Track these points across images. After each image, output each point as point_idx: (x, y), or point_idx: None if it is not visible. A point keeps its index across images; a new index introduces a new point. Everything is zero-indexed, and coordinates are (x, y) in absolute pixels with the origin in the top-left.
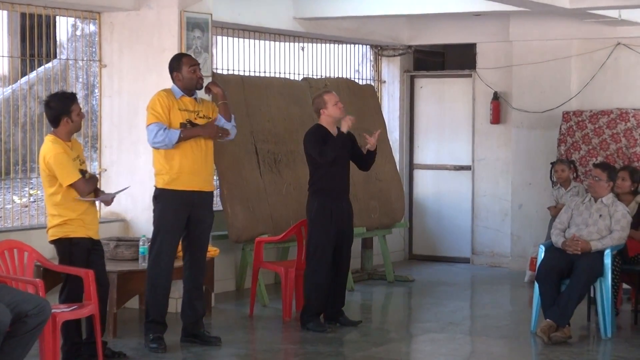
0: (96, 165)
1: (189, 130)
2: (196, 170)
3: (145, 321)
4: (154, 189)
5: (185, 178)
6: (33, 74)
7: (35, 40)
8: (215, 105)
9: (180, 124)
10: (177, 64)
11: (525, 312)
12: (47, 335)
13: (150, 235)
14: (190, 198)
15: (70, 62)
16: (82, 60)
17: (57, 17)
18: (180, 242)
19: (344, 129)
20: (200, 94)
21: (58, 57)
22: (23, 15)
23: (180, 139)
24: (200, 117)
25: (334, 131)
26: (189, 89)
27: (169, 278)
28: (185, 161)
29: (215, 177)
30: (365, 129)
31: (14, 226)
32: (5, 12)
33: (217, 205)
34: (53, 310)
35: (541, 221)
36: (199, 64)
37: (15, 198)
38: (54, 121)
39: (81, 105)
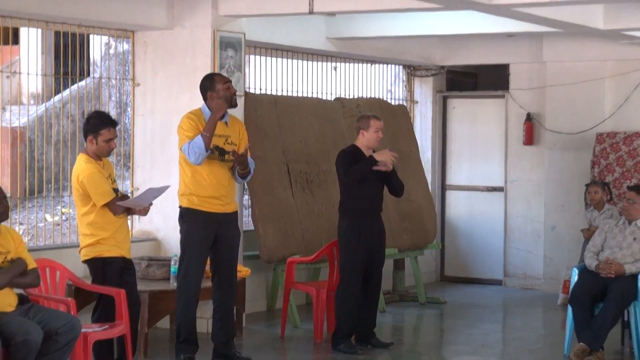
0: (128, 184)
1: (205, 132)
2: (221, 195)
3: (177, 342)
4: (179, 209)
5: (210, 201)
6: (66, 92)
7: (69, 59)
8: (244, 128)
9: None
10: (210, 83)
11: (558, 335)
12: (78, 355)
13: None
14: (215, 218)
15: (104, 80)
16: (115, 78)
17: (91, 36)
18: (209, 262)
19: (378, 158)
20: (231, 111)
21: (91, 76)
22: (57, 33)
23: (205, 139)
24: (228, 144)
25: (368, 154)
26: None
27: (197, 298)
28: (210, 186)
29: (246, 197)
30: (398, 149)
31: (46, 245)
32: (39, 30)
33: (248, 224)
34: (84, 330)
35: (574, 243)
36: (230, 80)
37: (48, 216)
38: (84, 136)
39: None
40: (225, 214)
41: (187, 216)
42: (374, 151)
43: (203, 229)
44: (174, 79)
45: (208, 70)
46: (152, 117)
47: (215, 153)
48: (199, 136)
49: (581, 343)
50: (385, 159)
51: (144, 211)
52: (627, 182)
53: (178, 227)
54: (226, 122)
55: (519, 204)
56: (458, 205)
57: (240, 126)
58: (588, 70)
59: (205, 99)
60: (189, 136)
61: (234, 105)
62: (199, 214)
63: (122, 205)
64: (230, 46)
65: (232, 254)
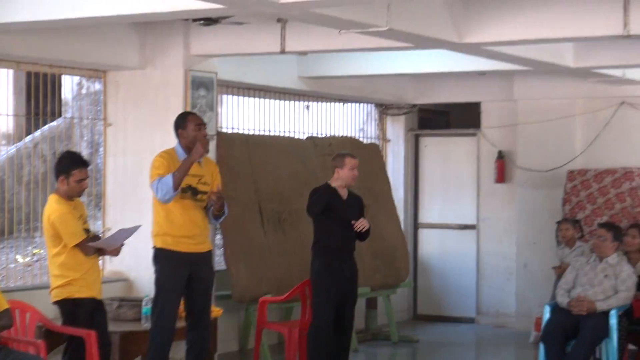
0: (100, 224)
1: (178, 171)
2: (195, 234)
3: None
4: (152, 249)
5: (184, 241)
6: (38, 133)
7: (40, 99)
8: (217, 169)
9: (182, 189)
10: (182, 121)
11: None
12: None
13: (152, 294)
14: (189, 258)
15: (75, 120)
16: (87, 118)
17: (63, 76)
18: (183, 303)
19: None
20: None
21: (63, 116)
22: (28, 73)
23: (176, 179)
24: (201, 183)
25: (343, 193)
26: (192, 149)
27: (172, 339)
28: (183, 225)
29: (218, 236)
30: (370, 188)
31: (17, 286)
32: (10, 70)
33: (220, 264)
34: None
35: (546, 281)
36: (205, 123)
37: (19, 257)
38: (55, 176)
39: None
40: (199, 253)
41: (161, 256)
42: (350, 191)
43: (177, 269)
44: (146, 118)
45: (180, 110)
46: (124, 156)
47: (189, 192)
48: (170, 175)
49: None
50: (361, 226)
51: (116, 252)
52: (598, 219)
53: (150, 267)
54: (199, 162)
55: (491, 241)
56: (430, 243)
57: (213, 167)
58: (559, 108)
59: (176, 135)
60: (159, 174)
61: (206, 151)
62: (173, 254)
63: (94, 246)
64: (202, 86)
65: (207, 294)
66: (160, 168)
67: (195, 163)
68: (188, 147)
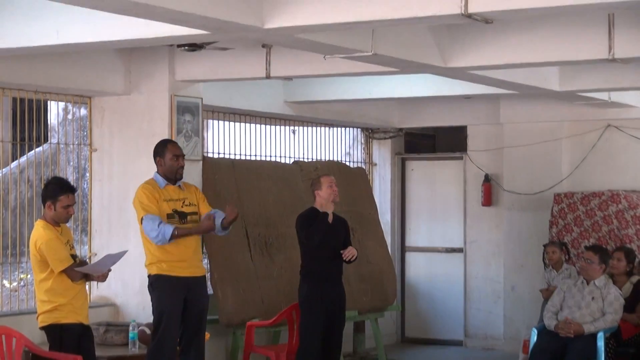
0: (86, 250)
1: (183, 230)
2: (189, 258)
3: None
4: (148, 277)
5: (179, 265)
6: (24, 158)
7: (26, 124)
8: (198, 189)
9: (167, 214)
10: (161, 149)
11: None
12: None
13: (139, 319)
14: (185, 282)
15: (61, 146)
16: (73, 144)
17: (49, 101)
18: None
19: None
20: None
21: (49, 141)
22: (14, 99)
23: (174, 237)
24: (186, 205)
25: (329, 217)
26: (170, 178)
27: None
28: (177, 250)
29: (205, 261)
30: (357, 211)
31: (3, 311)
32: None
33: (207, 289)
34: None
35: (534, 303)
36: (183, 155)
37: (6, 282)
38: (42, 202)
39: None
40: (194, 278)
41: (158, 283)
42: (335, 214)
43: (175, 293)
44: (132, 143)
45: (166, 135)
46: (109, 182)
47: (175, 217)
48: (171, 227)
49: None
50: (350, 255)
51: (103, 277)
52: (585, 242)
53: (137, 293)
54: (180, 186)
55: (479, 264)
56: (418, 267)
57: (194, 188)
58: (545, 131)
59: (155, 163)
60: (146, 210)
61: (178, 178)
62: (169, 279)
63: (80, 272)
64: (188, 111)
65: (201, 319)
66: (150, 206)
67: (175, 187)
68: (166, 176)
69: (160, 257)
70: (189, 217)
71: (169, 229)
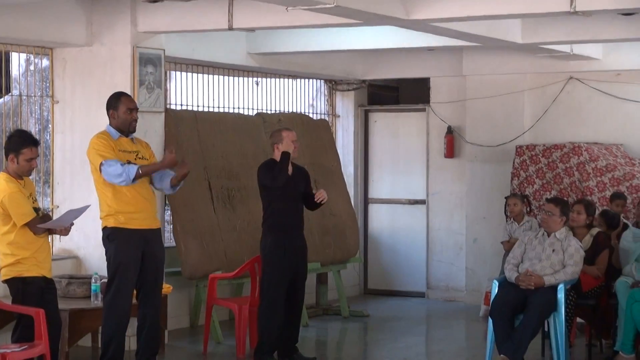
0: (49, 202)
1: (147, 167)
2: (145, 209)
3: None
4: (103, 230)
5: (136, 217)
6: None
7: None
8: (148, 144)
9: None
10: (115, 102)
11: (480, 347)
12: None
13: (101, 272)
14: (142, 235)
15: (24, 97)
16: (35, 95)
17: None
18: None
19: (317, 199)
20: (152, 126)
21: (11, 93)
22: None
23: (138, 175)
24: (139, 158)
25: (288, 168)
26: (123, 131)
27: (128, 317)
28: (133, 200)
29: (168, 213)
30: (320, 164)
31: None
32: None
33: (170, 241)
34: (2, 350)
35: (496, 255)
36: (137, 108)
37: None
38: (5, 155)
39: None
40: (151, 230)
41: (115, 235)
42: (294, 165)
43: (132, 246)
44: (94, 95)
45: (128, 87)
46: (71, 134)
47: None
48: (135, 166)
49: (502, 355)
50: (322, 197)
51: (65, 231)
52: (547, 194)
53: (99, 246)
54: (132, 139)
55: (441, 216)
56: (380, 219)
57: (146, 143)
58: (507, 83)
59: (108, 115)
60: (104, 156)
61: (131, 131)
62: (126, 232)
63: (43, 227)
64: (150, 62)
65: (158, 272)
66: (104, 150)
67: (128, 140)
68: (119, 129)
69: (117, 209)
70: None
71: (133, 168)
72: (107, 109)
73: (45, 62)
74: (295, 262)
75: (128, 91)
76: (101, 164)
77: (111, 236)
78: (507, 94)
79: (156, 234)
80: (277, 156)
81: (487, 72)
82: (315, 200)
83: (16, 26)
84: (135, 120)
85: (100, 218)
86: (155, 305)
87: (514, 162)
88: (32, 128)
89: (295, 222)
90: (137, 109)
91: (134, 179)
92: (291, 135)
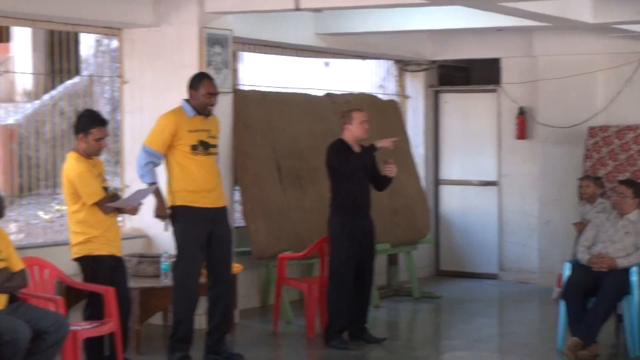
0: (119, 182)
1: (157, 195)
2: (212, 187)
3: (172, 339)
4: (170, 208)
5: (203, 195)
6: (60, 89)
7: (60, 56)
8: (218, 122)
9: (192, 146)
10: (197, 83)
11: (552, 329)
12: (67, 352)
13: (171, 251)
14: (209, 214)
15: (94, 78)
16: (104, 76)
17: (81, 33)
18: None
19: (379, 144)
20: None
21: (81, 74)
22: (49, 31)
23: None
24: (211, 137)
25: (355, 148)
26: (199, 112)
27: (196, 296)
28: (201, 179)
29: (237, 193)
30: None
31: (37, 242)
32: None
33: (240, 221)
34: (73, 328)
35: (569, 237)
36: (217, 93)
37: (41, 213)
38: (74, 134)
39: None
40: (217, 209)
41: (182, 214)
42: (362, 146)
43: (198, 226)
44: (162, 76)
45: (195, 67)
46: (140, 114)
47: (200, 148)
48: (152, 178)
49: (574, 337)
50: (388, 145)
51: (134, 211)
52: (619, 176)
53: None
54: (206, 117)
55: (513, 198)
56: (452, 200)
57: (217, 121)
58: (579, 63)
59: (188, 93)
60: (152, 141)
61: (206, 114)
62: (193, 210)
63: (112, 206)
64: (218, 43)
65: (227, 251)
66: (157, 137)
67: (202, 118)
68: (196, 109)
69: (185, 187)
70: (211, 149)
71: (149, 179)
72: (188, 88)
73: (115, 43)
74: (364, 243)
75: (195, 72)
76: (143, 145)
77: (178, 215)
78: (579, 74)
79: (223, 212)
80: (346, 136)
81: (559, 52)
82: (384, 173)
83: (85, 7)
84: (213, 105)
85: (167, 196)
86: (225, 285)
87: (586, 144)
88: (104, 108)
89: (363, 202)
90: (217, 93)
91: (142, 182)
92: (361, 116)
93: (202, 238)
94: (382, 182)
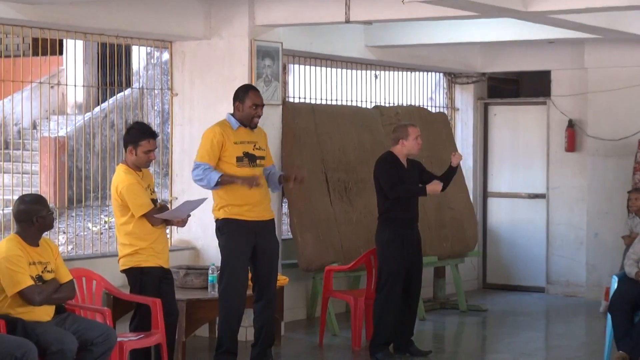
0: (168, 194)
1: (228, 177)
2: (257, 201)
3: (217, 352)
4: (215, 222)
5: (247, 208)
6: (108, 102)
7: (113, 69)
8: (266, 136)
9: (237, 157)
10: (242, 94)
11: (599, 343)
12: None
13: (218, 263)
14: (254, 228)
15: (144, 90)
16: (155, 89)
17: (133, 46)
18: (250, 273)
19: (454, 163)
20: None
21: (132, 86)
22: (100, 44)
23: (218, 183)
24: (257, 149)
25: (404, 162)
26: (244, 124)
27: (242, 309)
28: (246, 192)
29: (285, 206)
30: (438, 157)
31: (86, 254)
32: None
33: (287, 233)
34: (120, 339)
35: (617, 250)
36: (263, 105)
37: (90, 225)
38: (124, 146)
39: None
40: (262, 222)
41: (226, 227)
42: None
43: (242, 239)
44: (212, 88)
45: (245, 80)
46: (190, 126)
47: (246, 160)
48: (218, 173)
49: (620, 351)
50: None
51: (182, 223)
52: None
53: (215, 237)
54: (252, 129)
55: (561, 210)
56: (500, 213)
57: (264, 133)
58: (630, 76)
59: (234, 105)
60: (202, 157)
61: (252, 126)
62: (237, 224)
63: (160, 218)
64: (268, 55)
65: (272, 265)
66: (206, 156)
67: (248, 130)
68: (241, 121)
69: (228, 201)
70: (257, 161)
71: (215, 175)
72: (234, 100)
73: (165, 56)
74: (412, 255)
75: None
76: (196, 162)
77: (222, 228)
78: (630, 87)
79: (268, 225)
80: (397, 150)
81: (610, 64)
82: (452, 164)
83: (137, 20)
84: (259, 117)
85: (213, 210)
86: (270, 298)
87: (635, 156)
88: (153, 120)
89: (411, 215)
90: (263, 105)
91: (215, 186)
92: (416, 132)
93: (247, 251)
94: (445, 178)
